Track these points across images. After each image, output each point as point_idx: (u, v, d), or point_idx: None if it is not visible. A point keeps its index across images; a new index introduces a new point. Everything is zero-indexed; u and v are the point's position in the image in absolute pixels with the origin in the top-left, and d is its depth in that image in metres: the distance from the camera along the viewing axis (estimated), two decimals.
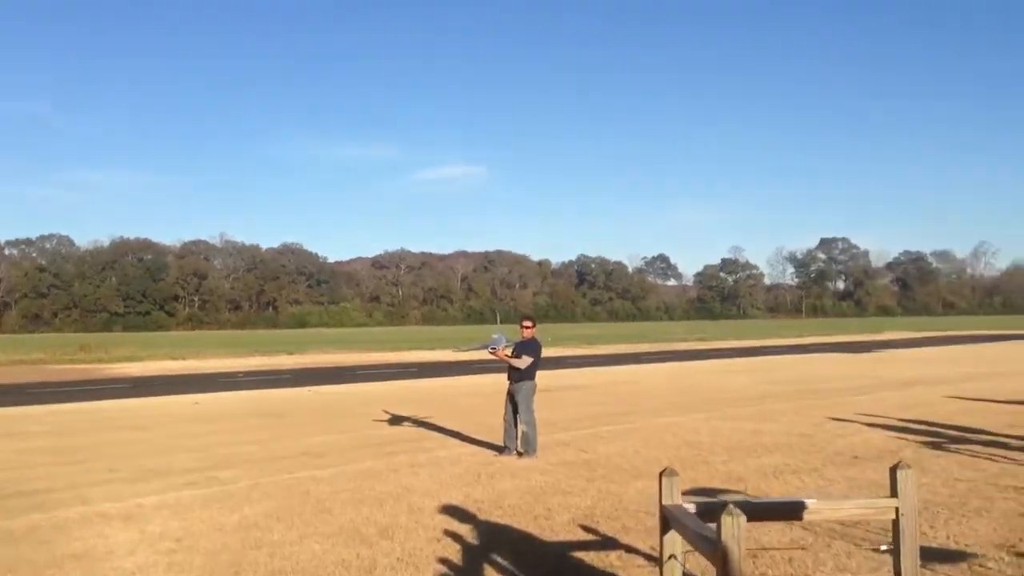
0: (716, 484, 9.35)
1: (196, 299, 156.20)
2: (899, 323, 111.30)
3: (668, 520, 4.24)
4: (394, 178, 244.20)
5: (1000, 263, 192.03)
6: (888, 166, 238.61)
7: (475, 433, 13.85)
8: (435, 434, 14.04)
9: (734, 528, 3.32)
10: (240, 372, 34.91)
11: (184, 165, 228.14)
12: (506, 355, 11.88)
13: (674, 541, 4.29)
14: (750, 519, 4.38)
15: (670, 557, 4.27)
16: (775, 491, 8.93)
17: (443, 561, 6.63)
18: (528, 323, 12.08)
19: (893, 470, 4.25)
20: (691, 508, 4.24)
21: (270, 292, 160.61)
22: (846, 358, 37.62)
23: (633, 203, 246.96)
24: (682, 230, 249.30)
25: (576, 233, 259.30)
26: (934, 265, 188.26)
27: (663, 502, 4.32)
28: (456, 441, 13.19)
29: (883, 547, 4.51)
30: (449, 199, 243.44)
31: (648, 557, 6.57)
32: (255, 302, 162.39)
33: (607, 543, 7.05)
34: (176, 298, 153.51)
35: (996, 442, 11.79)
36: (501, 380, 25.97)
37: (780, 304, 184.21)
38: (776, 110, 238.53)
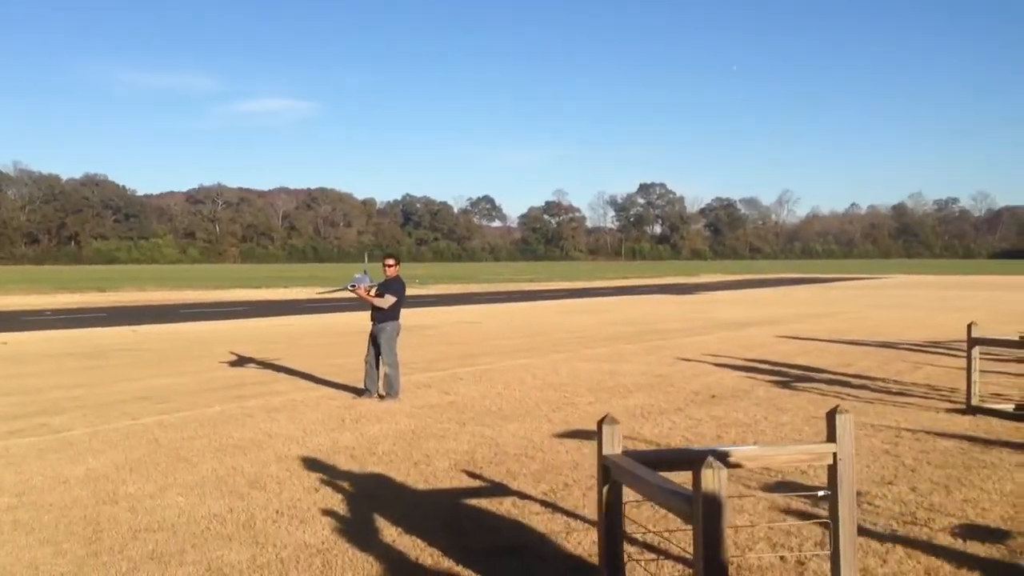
0: (589, 426, 9.23)
1: None
2: (712, 266, 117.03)
3: (611, 471, 4.00)
4: (211, 109, 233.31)
5: (801, 211, 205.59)
6: (702, 114, 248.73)
7: (327, 375, 13.29)
8: (284, 376, 13.37)
9: (716, 482, 3.10)
10: (47, 310, 32.43)
11: None
12: (367, 294, 11.35)
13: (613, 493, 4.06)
14: (684, 468, 4.23)
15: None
16: (647, 432, 8.96)
17: (328, 513, 6.19)
18: (391, 261, 11.58)
19: (831, 415, 4.17)
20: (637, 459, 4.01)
21: (72, 226, 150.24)
22: (674, 300, 39.04)
23: (459, 144, 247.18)
24: (507, 172, 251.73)
25: (401, 173, 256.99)
26: (742, 212, 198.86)
27: (604, 452, 4.06)
28: (309, 383, 12.59)
29: (820, 493, 4.44)
30: (269, 133, 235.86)
31: (543, 503, 6.38)
32: (55, 236, 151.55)
33: (496, 490, 6.80)
34: None
35: (837, 380, 12.39)
36: (342, 320, 25.48)
37: (601, 247, 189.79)
38: (598, 58, 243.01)
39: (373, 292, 11.35)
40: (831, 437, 4.15)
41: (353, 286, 11.42)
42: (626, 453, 4.08)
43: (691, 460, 4.06)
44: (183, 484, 7.01)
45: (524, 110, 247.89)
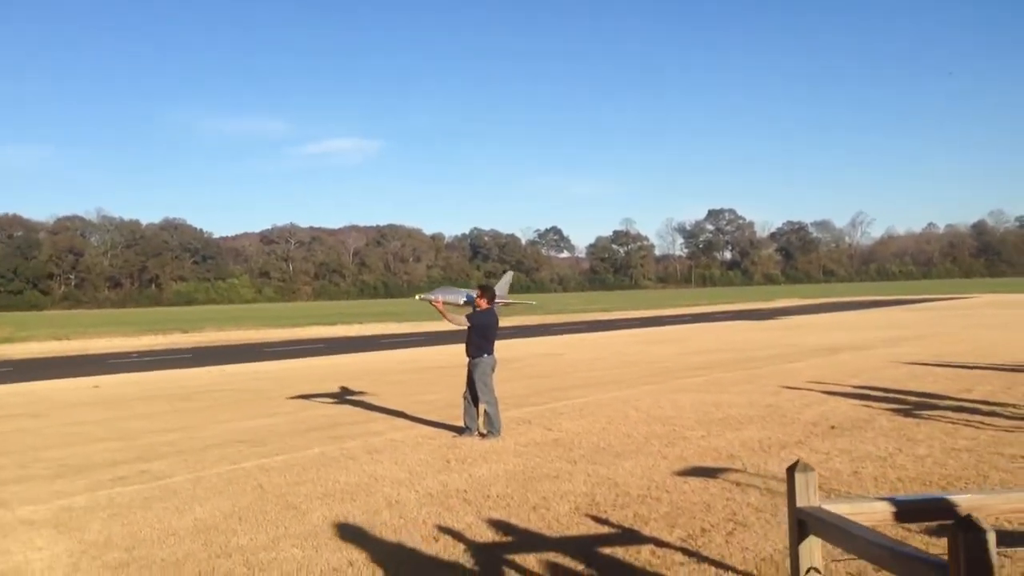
0: (708, 462, 8.75)
1: (72, 277, 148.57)
2: (786, 291, 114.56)
3: (808, 527, 3.50)
4: (281, 151, 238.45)
5: (875, 232, 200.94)
6: (769, 138, 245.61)
7: (421, 413, 12.93)
8: (378, 415, 13.05)
9: (982, 548, 2.58)
10: (133, 352, 32.92)
11: (57, 136, 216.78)
12: (441, 307, 11.15)
13: (812, 551, 3.54)
14: (903, 520, 3.70)
15: (810, 571, 3.53)
16: (773, 468, 8.35)
17: (453, 566, 5.77)
18: (476, 293, 11.26)
19: None
20: (837, 510, 3.49)
21: (152, 269, 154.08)
22: (754, 326, 38.01)
23: (525, 176, 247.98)
24: (574, 202, 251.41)
25: (469, 206, 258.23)
26: (814, 234, 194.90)
27: (798, 503, 3.56)
28: (405, 422, 12.24)
29: None
30: (338, 172, 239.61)
31: (685, 552, 5.87)
32: (137, 279, 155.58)
33: (629, 536, 6.30)
34: (50, 276, 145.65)
35: (963, 408, 11.58)
36: (424, 355, 25.23)
37: (670, 274, 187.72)
38: (663, 85, 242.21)
39: (467, 303, 11.20)
40: None
41: (429, 297, 11.31)
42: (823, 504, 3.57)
43: (911, 512, 3.55)
44: (296, 534, 6.66)
45: (589, 140, 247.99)
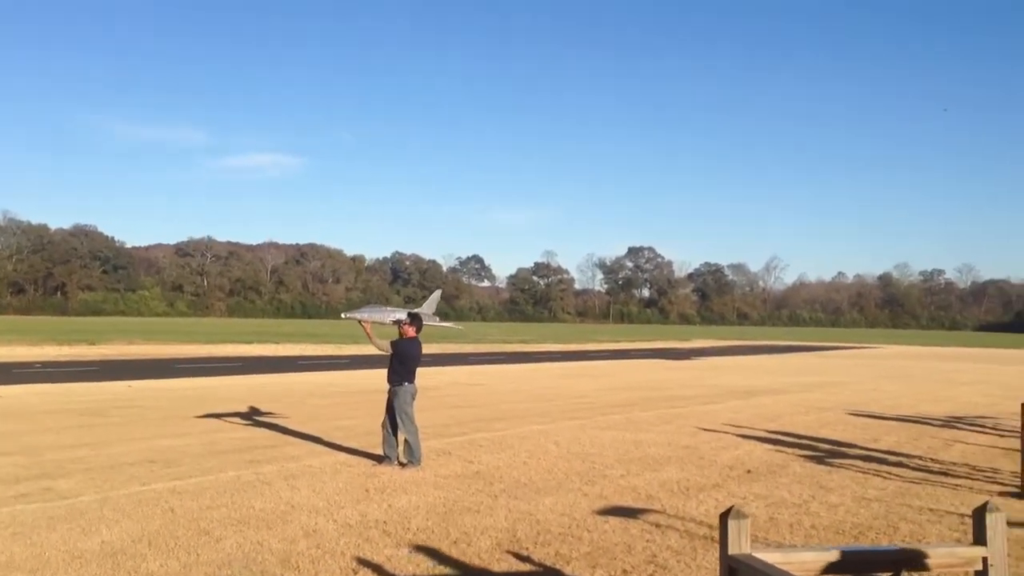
0: (628, 502, 8.80)
1: None
2: (701, 331, 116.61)
3: (739, 573, 3.53)
4: (201, 163, 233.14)
5: (788, 278, 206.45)
6: (691, 180, 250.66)
7: (338, 439, 12.72)
8: (294, 439, 12.79)
9: None
10: (37, 363, 31.63)
11: None
12: (368, 329, 11.21)
13: None
14: (850, 571, 3.76)
15: None
16: (693, 511, 8.46)
17: None
18: (408, 320, 11.18)
19: (980, 513, 3.74)
20: (769, 559, 3.54)
21: (59, 276, 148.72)
22: (672, 365, 38.57)
23: (450, 203, 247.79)
24: (497, 233, 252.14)
25: (391, 230, 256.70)
26: (730, 277, 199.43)
27: (730, 551, 3.60)
28: (322, 448, 12.02)
29: None
30: (258, 187, 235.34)
31: None
32: (41, 286, 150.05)
33: None
34: None
35: (871, 457, 11.93)
36: (343, 379, 24.86)
37: (589, 308, 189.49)
38: (588, 121, 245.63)
39: (395, 324, 11.18)
40: (979, 539, 3.71)
41: (357, 318, 11.36)
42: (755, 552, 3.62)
43: (842, 564, 3.61)
44: (208, 562, 6.46)
45: (515, 171, 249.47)
